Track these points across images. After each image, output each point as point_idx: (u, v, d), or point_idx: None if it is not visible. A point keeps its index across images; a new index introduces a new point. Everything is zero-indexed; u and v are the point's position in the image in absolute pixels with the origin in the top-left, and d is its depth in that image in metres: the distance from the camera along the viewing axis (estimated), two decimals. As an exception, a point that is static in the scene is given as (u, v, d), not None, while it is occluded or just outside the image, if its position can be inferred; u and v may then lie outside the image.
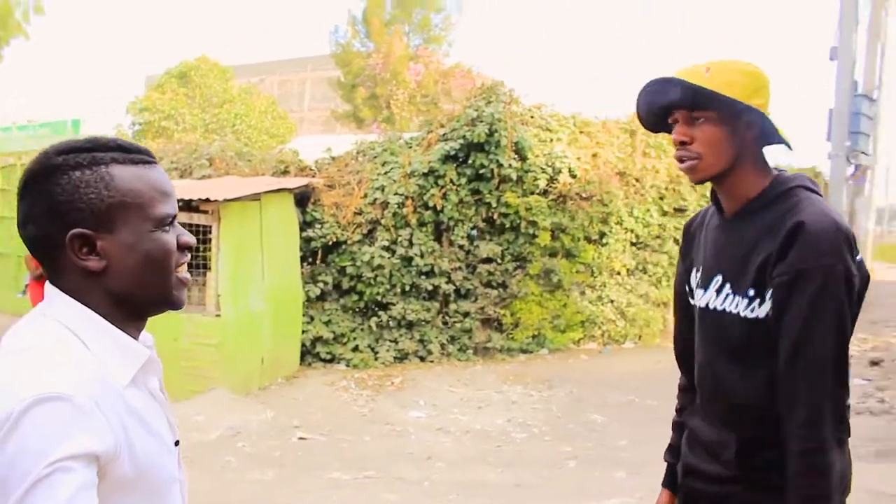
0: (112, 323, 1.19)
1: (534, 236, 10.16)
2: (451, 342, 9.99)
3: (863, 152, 14.07)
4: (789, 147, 1.78)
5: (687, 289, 1.98)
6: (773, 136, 1.77)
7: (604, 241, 10.75)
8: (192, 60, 17.75)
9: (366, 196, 9.79)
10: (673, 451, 2.10)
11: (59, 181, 1.16)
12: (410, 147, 10.37)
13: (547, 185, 10.24)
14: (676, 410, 2.14)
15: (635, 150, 11.16)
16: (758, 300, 1.72)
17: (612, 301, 10.80)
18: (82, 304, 1.18)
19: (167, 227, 1.22)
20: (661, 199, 11.21)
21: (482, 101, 10.08)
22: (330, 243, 9.58)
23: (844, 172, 13.49)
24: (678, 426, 2.10)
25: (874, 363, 9.12)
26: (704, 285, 1.87)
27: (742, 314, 1.75)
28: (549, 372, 9.28)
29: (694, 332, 1.96)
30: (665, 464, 2.14)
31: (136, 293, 1.21)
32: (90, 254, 1.17)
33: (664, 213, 11.26)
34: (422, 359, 9.74)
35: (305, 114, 35.27)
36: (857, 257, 1.67)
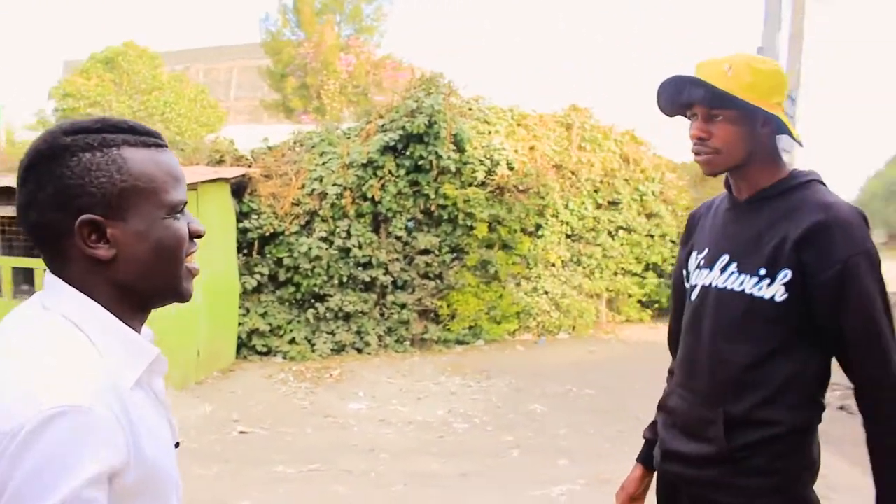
0: (116, 317, 1.13)
1: (471, 228, 10.22)
2: (389, 334, 9.98)
3: (784, 150, 14.58)
4: (800, 144, 1.91)
5: (684, 273, 2.04)
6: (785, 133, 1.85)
7: (540, 233, 10.89)
8: (119, 45, 17.22)
9: (303, 187, 9.68)
10: (653, 429, 2.16)
11: (69, 163, 1.09)
12: (349, 137, 10.30)
13: (485, 177, 10.31)
14: (666, 394, 2.19)
15: (571, 143, 11.34)
16: (767, 280, 1.78)
17: (546, 292, 10.95)
18: (86, 295, 1.11)
19: (179, 215, 1.16)
20: (596, 192, 11.42)
21: (422, 92, 10.08)
22: (267, 234, 9.45)
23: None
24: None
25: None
26: (709, 265, 1.92)
27: (748, 291, 1.81)
28: (486, 363, 9.36)
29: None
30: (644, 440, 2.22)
31: (144, 284, 1.15)
32: (99, 241, 1.10)
33: (598, 206, 11.47)
34: (359, 350, 9.71)
35: (232, 103, 34.59)
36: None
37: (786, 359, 1.79)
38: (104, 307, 1.12)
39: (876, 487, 1.77)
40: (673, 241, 12.05)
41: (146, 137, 1.16)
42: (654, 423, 2.17)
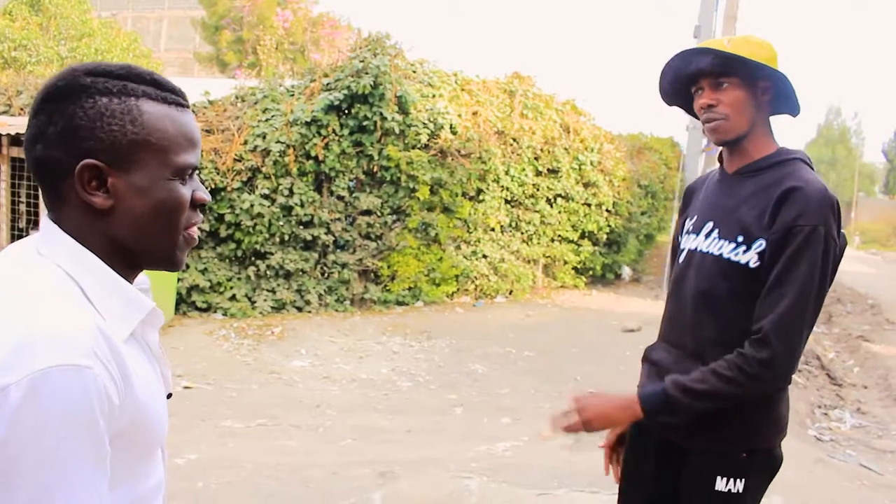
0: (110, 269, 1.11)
1: (413, 190, 10.27)
2: (329, 293, 10.01)
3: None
4: (797, 112, 2.03)
5: (680, 239, 2.18)
6: (785, 102, 2.00)
7: (480, 197, 11.03)
8: (44, -13, 16.54)
9: (246, 143, 9.57)
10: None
11: (84, 104, 1.06)
12: (292, 95, 10.19)
13: (428, 140, 10.36)
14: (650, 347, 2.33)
15: (513, 110, 11.45)
16: (744, 247, 1.92)
17: (485, 256, 11.12)
18: (80, 243, 1.08)
19: (186, 179, 1.13)
20: (537, 159, 11.59)
21: (368, 52, 10.02)
22: (208, 190, 9.29)
23: (700, 144, 14.39)
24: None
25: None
26: (696, 230, 2.07)
27: (725, 256, 1.95)
28: (426, 324, 9.50)
29: None
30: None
31: (137, 243, 1.11)
32: (98, 189, 1.07)
33: (538, 174, 11.65)
34: (299, 309, 9.72)
35: (162, 54, 33.60)
36: (840, 228, 1.90)
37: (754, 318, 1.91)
38: (101, 257, 1.10)
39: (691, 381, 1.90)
40: (608, 211, 12.35)
41: (169, 94, 1.12)
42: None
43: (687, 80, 2.02)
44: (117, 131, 1.06)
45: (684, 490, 2.05)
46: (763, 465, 2.01)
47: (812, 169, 1.99)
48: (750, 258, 1.91)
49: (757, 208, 1.92)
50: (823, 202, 1.84)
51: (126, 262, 1.12)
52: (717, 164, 2.15)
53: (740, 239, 1.93)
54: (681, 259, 2.11)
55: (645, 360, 2.24)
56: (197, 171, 1.16)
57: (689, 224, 2.13)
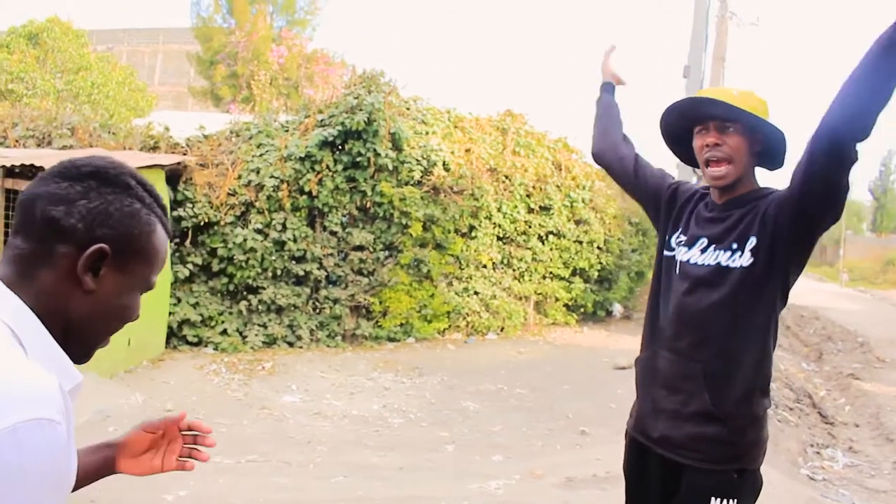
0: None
1: (406, 226, 10.31)
2: (321, 328, 10.00)
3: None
4: (779, 167, 2.27)
5: (666, 237, 2.38)
6: (770, 156, 2.25)
7: (473, 234, 11.07)
8: (43, 21, 16.63)
9: (240, 177, 9.61)
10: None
11: (123, 200, 1.15)
12: (287, 130, 10.26)
13: (421, 176, 10.42)
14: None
15: (506, 147, 11.55)
16: (739, 252, 2.14)
17: (477, 293, 11.14)
18: (44, 304, 1.11)
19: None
20: (529, 196, 11.66)
21: (363, 89, 10.12)
22: (201, 224, 9.34)
23: (690, 181, 14.52)
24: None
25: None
26: (689, 245, 2.27)
27: (723, 263, 2.16)
28: (418, 360, 9.47)
29: (645, 167, 2.54)
30: None
31: (85, 327, 1.15)
32: (91, 273, 1.12)
33: (530, 211, 11.72)
34: (290, 344, 9.70)
35: (156, 87, 33.77)
36: None
37: (750, 325, 2.13)
38: (44, 323, 1.11)
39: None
40: (600, 248, 12.41)
41: (167, 225, 1.24)
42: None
43: (691, 120, 2.23)
44: (136, 236, 1.16)
45: None
46: (751, 486, 2.15)
47: None
48: (744, 260, 2.12)
49: (745, 220, 2.16)
50: None
51: (63, 337, 1.13)
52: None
53: (734, 246, 2.15)
54: (675, 269, 2.28)
55: (644, 369, 2.37)
56: None
57: (680, 237, 2.30)
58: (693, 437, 2.15)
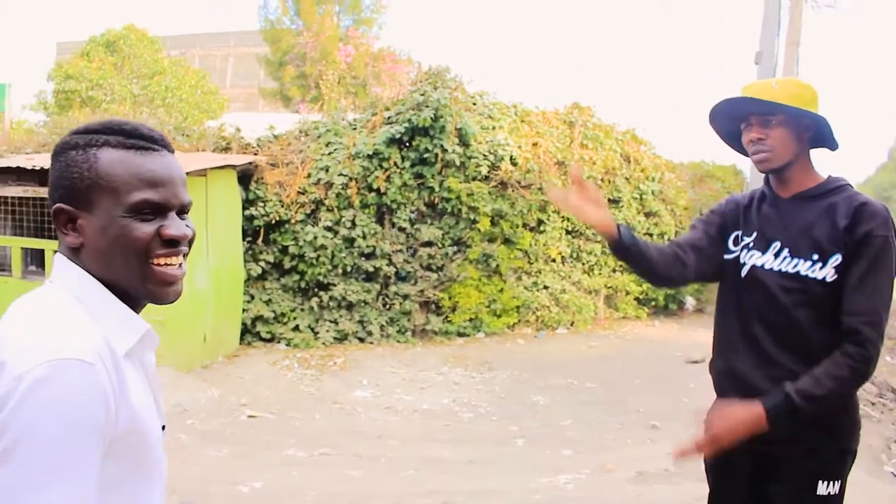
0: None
1: (474, 221, 10.32)
2: (391, 324, 10.09)
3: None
4: (835, 148, 2.24)
5: (725, 245, 2.35)
6: (823, 139, 2.21)
7: (541, 228, 11.02)
8: (120, 29, 17.19)
9: (309, 176, 9.76)
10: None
11: (59, 159, 1.22)
12: (355, 128, 10.37)
13: (488, 171, 10.41)
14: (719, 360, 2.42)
15: (573, 140, 11.46)
16: (820, 263, 2.13)
17: (546, 287, 11.08)
18: (91, 272, 1.21)
19: (146, 216, 1.21)
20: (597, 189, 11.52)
21: (429, 86, 10.16)
22: (272, 222, 9.53)
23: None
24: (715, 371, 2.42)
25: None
26: (761, 248, 2.24)
27: (802, 273, 2.15)
28: (487, 355, 9.48)
29: (699, 251, 2.35)
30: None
31: (107, 276, 1.21)
32: (70, 229, 1.21)
33: (599, 204, 11.57)
34: (361, 340, 9.81)
35: (228, 90, 34.52)
36: None
37: (832, 327, 2.11)
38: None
39: (811, 380, 2.06)
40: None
41: (134, 140, 1.22)
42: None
43: (737, 119, 2.24)
44: (76, 178, 1.20)
45: (781, 497, 2.17)
46: (849, 465, 2.17)
47: (855, 189, 2.23)
48: (826, 273, 2.11)
49: (826, 228, 2.13)
50: (888, 215, 2.10)
51: (114, 293, 1.22)
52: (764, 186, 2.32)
53: (815, 257, 2.13)
54: (744, 273, 2.26)
55: (722, 374, 2.33)
56: (173, 210, 1.24)
57: (747, 240, 2.28)
58: (791, 429, 2.11)
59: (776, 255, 2.20)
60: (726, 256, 2.32)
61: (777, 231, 2.22)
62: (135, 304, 1.25)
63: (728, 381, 2.29)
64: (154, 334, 1.27)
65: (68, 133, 1.24)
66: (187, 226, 1.26)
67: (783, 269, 2.18)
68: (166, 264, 1.23)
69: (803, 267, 2.14)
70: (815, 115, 2.16)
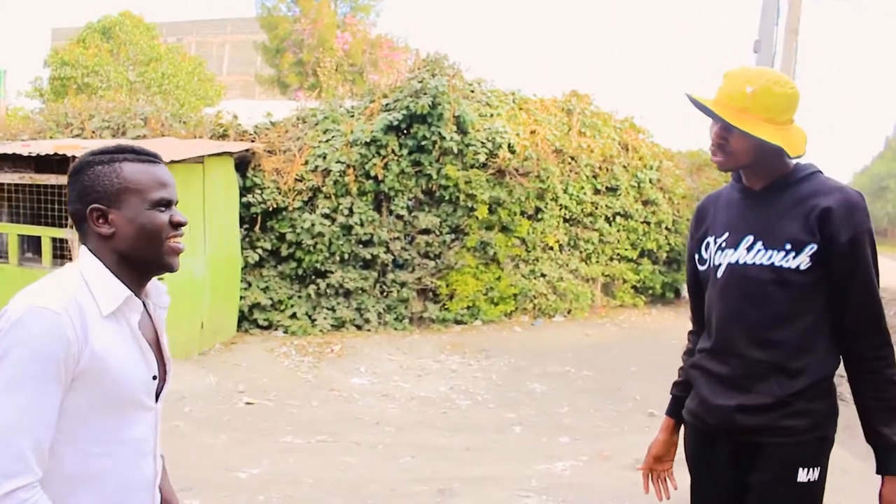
0: (118, 277, 1.61)
1: (472, 209, 10.31)
2: (388, 311, 10.08)
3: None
4: (795, 158, 2.20)
5: (696, 257, 2.35)
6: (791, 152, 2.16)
7: (539, 216, 11.00)
8: (116, 15, 17.08)
9: (307, 163, 9.73)
10: (679, 386, 2.49)
11: (88, 173, 1.62)
12: (352, 116, 10.34)
13: (486, 159, 10.38)
14: (687, 351, 2.50)
15: (572, 128, 11.43)
16: (793, 253, 2.11)
17: (543, 275, 11.07)
18: (99, 259, 1.62)
19: (162, 209, 1.64)
20: (595, 177, 11.52)
21: (426, 73, 10.13)
22: (270, 209, 9.51)
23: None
24: (688, 365, 2.43)
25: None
26: (733, 245, 2.22)
27: (777, 263, 2.13)
28: (485, 342, 9.50)
29: (700, 288, 2.37)
30: (671, 396, 2.54)
31: (135, 255, 1.63)
32: (104, 223, 1.61)
33: (597, 192, 11.58)
34: (359, 327, 9.81)
35: (224, 77, 34.39)
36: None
37: (810, 315, 2.12)
38: (108, 268, 1.61)
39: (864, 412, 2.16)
40: (668, 229, 12.21)
41: (144, 156, 1.67)
42: (678, 382, 2.50)
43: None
44: (108, 184, 1.62)
45: (762, 484, 2.17)
46: (828, 452, 2.19)
47: (825, 175, 2.22)
48: (801, 262, 2.10)
49: (800, 218, 2.11)
50: (862, 204, 2.10)
51: (133, 269, 1.64)
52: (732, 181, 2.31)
53: (788, 247, 2.11)
54: (719, 274, 2.24)
55: (698, 369, 2.33)
56: (174, 203, 1.68)
57: (719, 241, 2.26)
58: (770, 418, 2.13)
59: (749, 248, 2.18)
60: (701, 268, 2.32)
61: (749, 225, 2.20)
62: (147, 274, 1.68)
63: (704, 376, 2.30)
64: (136, 300, 1.64)
65: (87, 154, 1.65)
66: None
67: (757, 262, 2.16)
68: (176, 241, 1.67)
69: (777, 258, 2.13)
70: (768, 144, 2.09)
